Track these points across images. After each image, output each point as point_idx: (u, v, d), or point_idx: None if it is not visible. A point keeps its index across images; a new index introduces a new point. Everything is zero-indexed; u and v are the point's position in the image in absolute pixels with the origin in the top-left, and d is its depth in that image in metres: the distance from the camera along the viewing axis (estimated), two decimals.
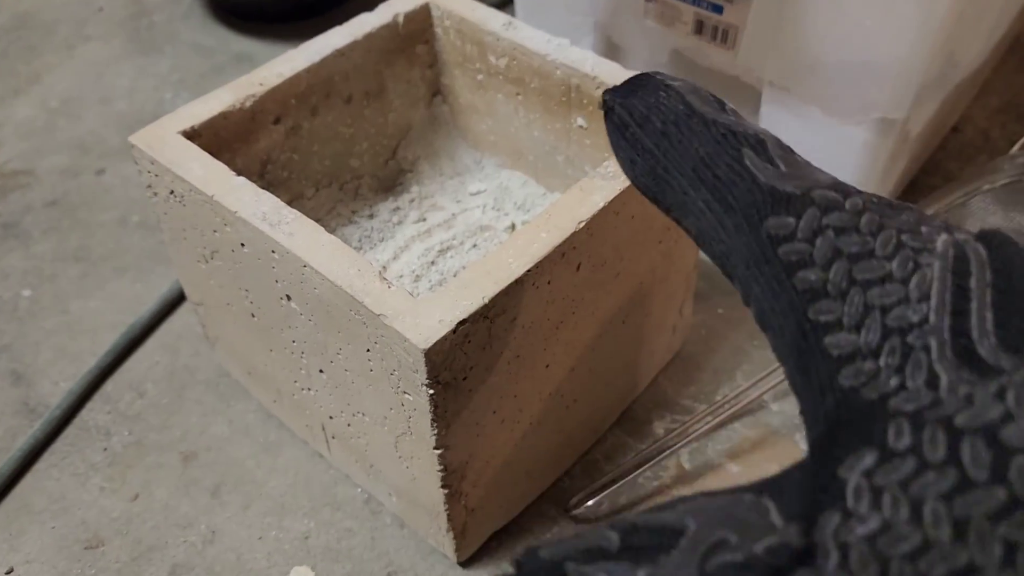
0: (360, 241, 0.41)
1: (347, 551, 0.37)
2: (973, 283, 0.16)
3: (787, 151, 0.19)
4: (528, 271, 0.28)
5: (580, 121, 0.38)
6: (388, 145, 0.43)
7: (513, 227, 0.41)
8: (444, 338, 0.26)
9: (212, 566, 0.36)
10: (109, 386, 0.43)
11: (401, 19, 0.40)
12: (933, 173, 0.52)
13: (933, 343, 0.15)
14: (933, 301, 0.16)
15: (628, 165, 0.20)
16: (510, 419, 0.32)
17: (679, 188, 0.19)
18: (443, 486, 0.31)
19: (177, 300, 0.46)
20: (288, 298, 0.31)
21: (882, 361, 0.15)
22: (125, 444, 0.41)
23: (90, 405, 0.42)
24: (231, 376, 0.43)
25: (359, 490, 0.39)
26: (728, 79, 0.44)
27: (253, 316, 0.35)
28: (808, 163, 0.19)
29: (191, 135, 0.34)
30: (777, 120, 0.42)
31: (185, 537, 0.37)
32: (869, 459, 0.14)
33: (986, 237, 0.17)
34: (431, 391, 0.27)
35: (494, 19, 0.39)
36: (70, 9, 0.67)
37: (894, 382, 0.15)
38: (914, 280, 0.16)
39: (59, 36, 0.65)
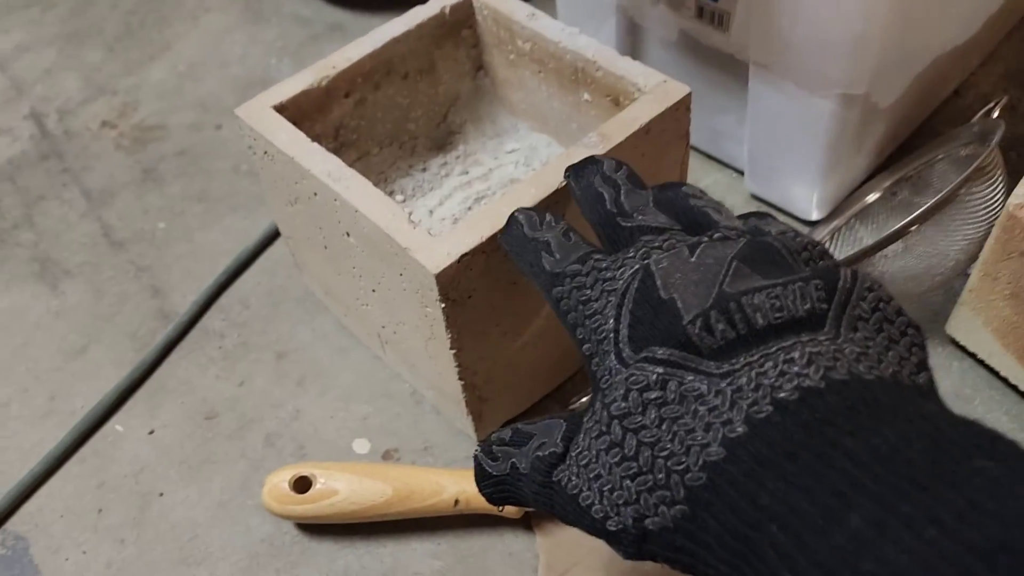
0: (413, 190, 0.51)
1: (395, 430, 0.48)
2: (625, 307, 0.28)
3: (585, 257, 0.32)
4: None
5: (586, 96, 0.47)
6: (439, 111, 0.53)
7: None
8: (450, 266, 0.37)
9: (296, 436, 0.48)
10: (223, 299, 0.55)
11: (448, 10, 0.49)
12: (927, 135, 0.58)
13: (611, 347, 0.27)
14: (610, 321, 0.28)
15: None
16: (512, 331, 0.42)
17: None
18: (460, 378, 0.42)
19: (275, 234, 0.58)
20: (348, 235, 0.42)
21: (594, 361, 0.28)
22: (235, 344, 0.53)
23: (209, 313, 0.55)
24: (314, 295, 0.54)
25: (407, 385, 0.50)
26: (725, 56, 0.51)
27: (326, 248, 0.46)
28: (581, 243, 0.33)
29: (280, 108, 0.45)
30: (760, 94, 0.50)
31: (277, 414, 0.49)
32: (590, 412, 0.28)
33: (647, 269, 0.28)
34: (443, 305, 0.38)
35: (520, 10, 0.48)
36: None
37: (599, 370, 0.28)
38: (606, 309, 0.28)
39: (186, 7, 0.77)
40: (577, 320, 0.30)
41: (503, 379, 0.44)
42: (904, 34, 0.46)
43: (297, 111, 0.46)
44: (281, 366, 0.52)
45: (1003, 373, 0.45)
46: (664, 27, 0.53)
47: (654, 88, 0.42)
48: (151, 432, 0.50)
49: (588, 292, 0.30)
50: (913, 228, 0.44)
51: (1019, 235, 0.40)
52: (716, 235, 0.29)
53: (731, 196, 0.57)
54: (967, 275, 0.46)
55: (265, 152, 0.44)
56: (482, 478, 0.32)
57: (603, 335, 0.28)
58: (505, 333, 0.42)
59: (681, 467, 0.24)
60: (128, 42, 0.74)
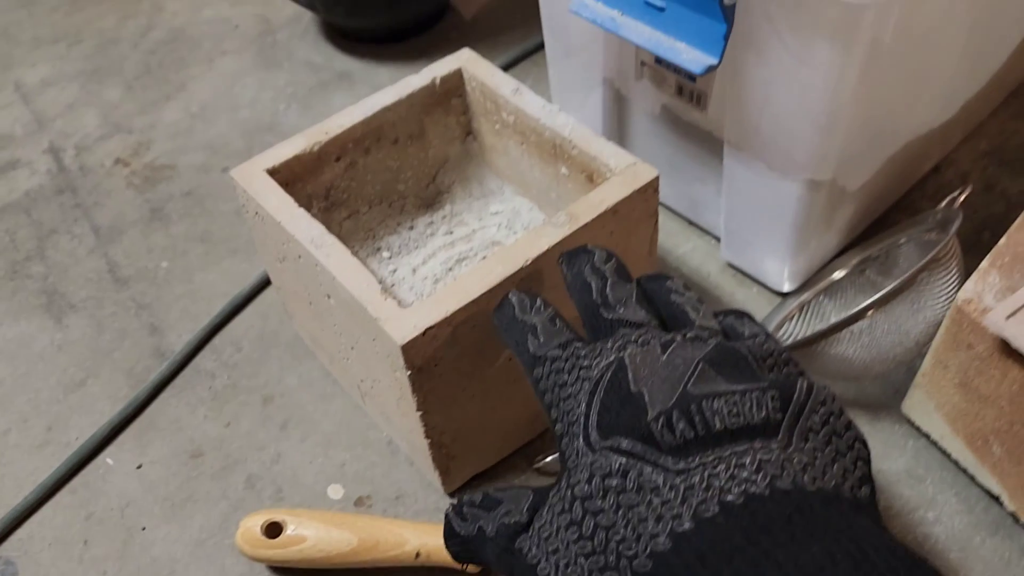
0: (400, 248, 0.54)
1: (370, 478, 0.50)
2: (597, 395, 0.30)
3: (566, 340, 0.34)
4: (483, 293, 0.40)
5: (563, 170, 0.49)
6: (429, 173, 0.55)
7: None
8: (416, 338, 0.39)
9: (275, 479, 0.51)
10: (217, 340, 0.58)
11: (438, 81, 0.52)
12: (904, 210, 0.60)
13: (580, 431, 0.29)
14: (582, 406, 0.30)
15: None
16: (479, 395, 0.44)
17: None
18: (427, 438, 0.44)
19: (268, 280, 0.60)
20: (328, 296, 0.44)
21: (564, 441, 0.30)
22: (224, 385, 0.56)
23: (203, 354, 0.57)
24: (302, 342, 0.57)
25: (383, 434, 0.52)
26: (703, 133, 0.53)
27: (310, 304, 0.48)
28: (566, 330, 0.35)
29: (273, 172, 0.47)
30: (734, 170, 0.52)
31: (259, 456, 0.52)
32: (556, 488, 0.30)
33: (621, 362, 0.30)
34: (409, 372, 0.40)
35: (506, 85, 0.50)
36: (213, 26, 0.83)
37: (568, 450, 0.30)
38: (580, 394, 0.31)
39: (203, 50, 0.80)
40: (553, 401, 0.32)
41: (470, 439, 0.46)
42: (870, 123, 0.48)
43: (290, 173, 0.48)
44: (267, 410, 0.54)
45: (953, 456, 0.47)
46: (647, 101, 0.55)
47: (624, 170, 0.45)
48: (139, 467, 0.52)
49: (565, 377, 0.32)
50: (871, 312, 0.46)
51: (967, 328, 0.42)
52: (689, 334, 0.32)
53: (708, 263, 0.59)
54: (927, 353, 0.47)
55: (256, 213, 0.47)
56: (450, 535, 0.34)
57: (574, 418, 0.30)
58: (472, 397, 0.44)
59: (631, 552, 0.26)
60: (146, 81, 0.78)
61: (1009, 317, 0.39)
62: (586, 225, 0.43)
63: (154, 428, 0.54)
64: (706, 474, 0.26)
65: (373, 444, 0.52)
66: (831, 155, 0.47)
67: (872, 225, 0.59)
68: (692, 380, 0.29)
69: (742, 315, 0.35)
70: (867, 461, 0.29)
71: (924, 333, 0.47)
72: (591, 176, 0.47)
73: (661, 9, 0.46)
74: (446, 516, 0.34)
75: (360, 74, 0.76)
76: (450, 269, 0.52)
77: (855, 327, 0.47)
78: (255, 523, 0.45)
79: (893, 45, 0.42)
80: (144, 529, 0.49)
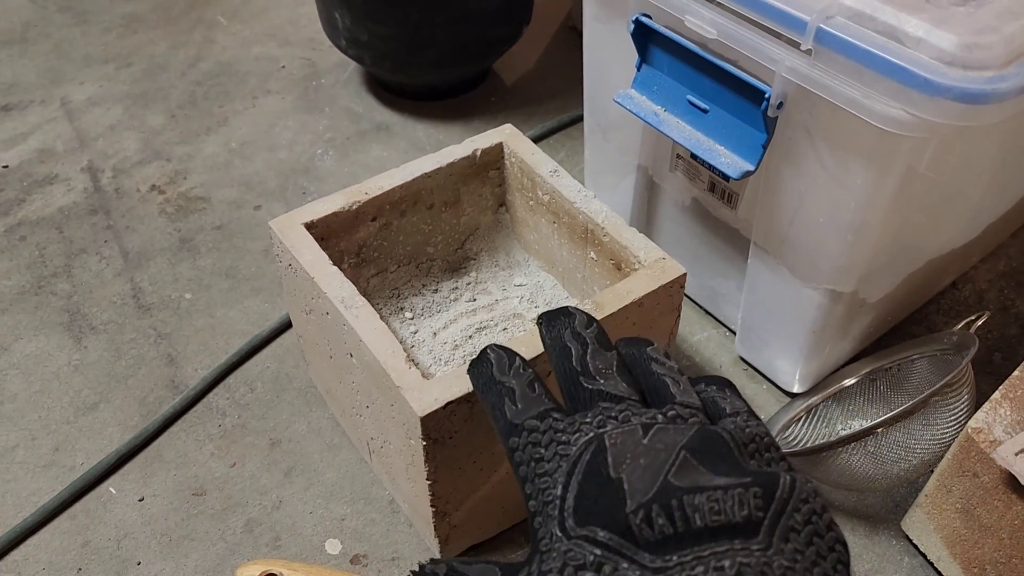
0: (423, 309, 0.55)
1: (368, 536, 0.51)
2: (575, 477, 0.29)
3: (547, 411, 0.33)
4: None
5: (592, 254, 0.50)
6: (458, 239, 0.57)
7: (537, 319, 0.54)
8: (436, 411, 0.40)
9: (274, 526, 0.51)
10: (231, 379, 0.59)
11: (479, 153, 0.53)
12: (919, 323, 0.61)
13: (555, 513, 0.29)
14: (559, 487, 0.29)
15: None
16: (487, 468, 0.45)
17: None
18: (432, 506, 0.45)
19: (289, 324, 0.61)
20: (351, 355, 0.45)
21: (537, 520, 0.29)
22: (234, 424, 0.56)
23: (216, 391, 0.58)
24: (316, 389, 0.58)
25: (386, 493, 0.52)
26: (731, 230, 0.54)
27: (331, 357, 0.49)
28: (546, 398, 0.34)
29: (310, 226, 0.48)
30: (758, 271, 0.53)
31: (261, 501, 0.52)
32: (525, 571, 0.29)
33: (601, 443, 0.30)
34: (424, 443, 0.41)
35: (545, 165, 0.52)
36: (260, 64, 0.85)
37: (541, 530, 0.29)
38: (557, 473, 0.30)
39: (248, 86, 0.82)
40: (527, 475, 0.31)
41: (474, 509, 0.47)
42: (897, 241, 0.49)
43: (326, 229, 0.49)
44: (273, 454, 0.55)
45: None
46: (679, 192, 0.57)
47: (652, 264, 0.46)
48: (141, 499, 0.53)
49: (542, 451, 0.31)
50: (880, 429, 0.46)
51: (974, 456, 0.43)
52: (671, 412, 0.31)
53: (721, 354, 0.59)
54: (932, 473, 0.48)
55: (290, 265, 0.48)
56: None
57: (550, 498, 0.30)
58: (481, 469, 0.45)
59: None
60: (190, 111, 0.80)
61: (1019, 453, 0.40)
62: (612, 314, 0.44)
63: (160, 460, 0.54)
64: (684, 574, 0.26)
65: (375, 501, 0.52)
66: (855, 269, 0.48)
67: (886, 335, 0.60)
68: (673, 470, 0.28)
69: (723, 386, 0.34)
70: (847, 565, 0.28)
71: (930, 453, 0.48)
72: (619, 264, 0.48)
73: (705, 111, 0.48)
74: None
75: (398, 127, 0.77)
76: (470, 337, 0.53)
77: (862, 440, 0.48)
78: (252, 573, 0.45)
79: (926, 173, 0.43)
80: (139, 564, 0.49)
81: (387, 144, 0.76)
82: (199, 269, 0.66)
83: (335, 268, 0.46)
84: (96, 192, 0.72)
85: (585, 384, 0.33)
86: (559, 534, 0.28)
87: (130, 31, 0.90)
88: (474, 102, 0.80)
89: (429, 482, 0.43)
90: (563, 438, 0.31)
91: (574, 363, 0.34)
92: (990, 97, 0.37)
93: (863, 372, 0.55)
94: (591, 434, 0.31)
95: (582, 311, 0.36)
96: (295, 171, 0.73)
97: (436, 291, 0.56)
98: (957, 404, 0.46)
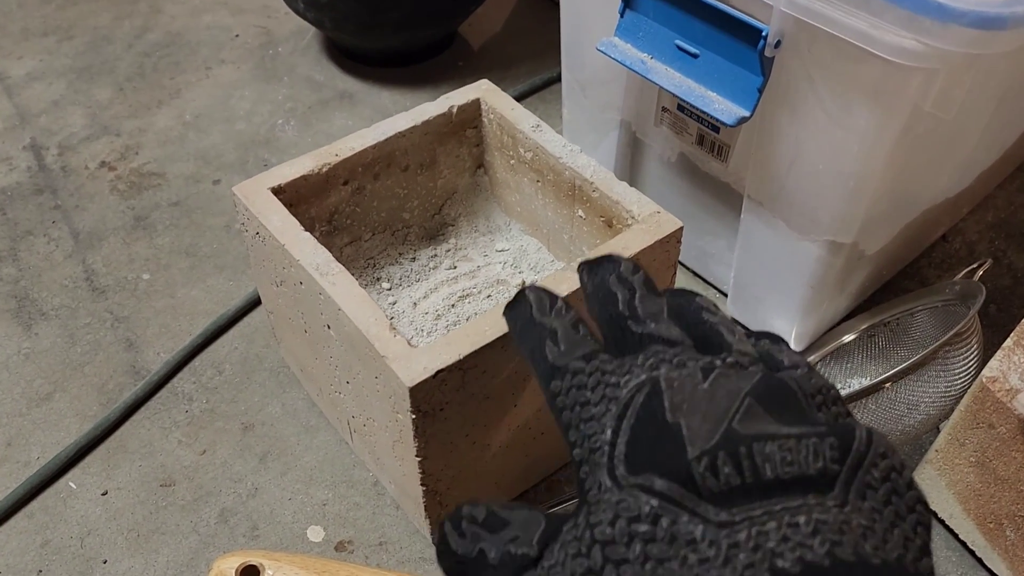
0: (401, 279, 0.51)
1: (353, 520, 0.48)
2: (627, 421, 0.26)
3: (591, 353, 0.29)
4: (497, 339, 0.38)
5: (580, 212, 0.47)
6: (435, 203, 0.53)
7: (523, 284, 0.51)
8: (425, 381, 0.37)
9: (251, 515, 0.48)
10: (197, 362, 0.55)
11: (455, 110, 0.50)
12: (912, 277, 0.59)
13: (604, 461, 0.26)
14: (608, 432, 0.26)
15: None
16: (480, 442, 0.42)
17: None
18: (422, 484, 0.42)
19: (257, 302, 0.58)
20: (328, 327, 0.42)
21: (584, 469, 0.26)
22: (202, 410, 0.53)
23: (181, 375, 0.54)
24: (289, 369, 0.54)
25: (370, 474, 0.49)
26: (722, 184, 0.52)
27: (305, 332, 0.46)
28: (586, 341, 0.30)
29: (277, 191, 0.45)
30: (752, 226, 0.50)
31: (235, 489, 0.49)
32: (572, 523, 0.25)
33: (655, 384, 0.26)
34: (413, 416, 0.38)
35: (525, 120, 0.48)
36: (213, 33, 0.80)
37: (588, 480, 0.26)
38: (605, 417, 0.27)
39: (200, 56, 0.78)
40: (571, 421, 0.28)
41: (466, 486, 0.44)
42: (897, 188, 0.47)
43: (294, 194, 0.46)
44: (246, 439, 0.51)
45: (962, 536, 0.45)
46: (665, 147, 0.54)
47: (647, 218, 0.43)
48: (104, 493, 0.49)
49: (588, 394, 0.28)
50: (888, 384, 0.44)
51: (989, 406, 0.41)
52: (729, 359, 0.28)
53: None
54: (937, 430, 0.46)
55: (257, 233, 0.44)
56: (444, 552, 0.29)
57: (597, 445, 0.26)
58: (474, 443, 0.42)
59: None
60: (139, 83, 0.75)
61: None
62: None
63: (123, 451, 0.51)
64: (753, 531, 0.23)
65: (358, 484, 0.49)
66: (856, 218, 0.45)
67: (879, 291, 0.58)
68: (738, 417, 0.25)
69: (779, 340, 0.31)
70: (928, 528, 0.25)
71: (938, 407, 0.46)
72: (610, 221, 0.46)
73: (695, 56, 0.45)
74: (441, 528, 0.29)
75: (362, 95, 0.74)
76: (452, 306, 0.50)
77: (863, 399, 0.46)
78: (230, 565, 0.42)
79: (932, 111, 0.41)
80: (105, 562, 0.46)
81: (351, 112, 0.72)
82: (156, 248, 0.62)
83: (307, 234, 0.42)
84: (41, 171, 0.67)
85: (634, 328, 0.30)
86: (609, 483, 0.25)
87: (70, 3, 0.84)
88: (441, 67, 0.76)
89: (419, 459, 0.40)
90: (612, 380, 0.28)
91: (621, 308, 0.31)
92: (1007, 22, 0.35)
93: (861, 328, 0.53)
94: (643, 376, 0.27)
95: (627, 258, 0.33)
96: (255, 142, 0.69)
97: (414, 259, 0.52)
98: (967, 355, 0.45)
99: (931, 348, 0.43)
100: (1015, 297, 0.58)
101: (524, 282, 0.51)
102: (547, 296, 0.33)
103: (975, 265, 0.50)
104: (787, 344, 0.31)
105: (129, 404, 0.52)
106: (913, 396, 0.46)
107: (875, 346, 0.53)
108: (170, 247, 0.62)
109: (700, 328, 0.30)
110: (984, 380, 0.41)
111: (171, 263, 0.61)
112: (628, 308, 0.31)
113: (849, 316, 0.55)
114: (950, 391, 0.45)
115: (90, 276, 0.60)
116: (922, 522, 0.25)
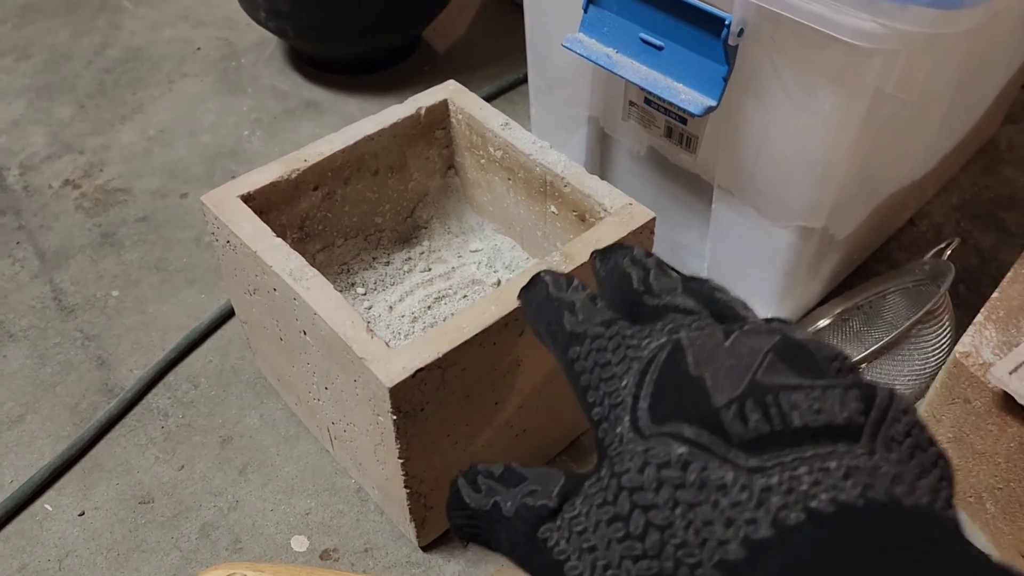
0: (375, 283, 0.51)
1: (337, 528, 0.47)
2: (649, 376, 0.26)
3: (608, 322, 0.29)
4: (475, 335, 0.38)
5: (552, 208, 0.47)
6: (407, 206, 0.53)
7: (499, 283, 0.51)
8: (405, 381, 0.36)
9: (233, 528, 0.47)
10: (171, 377, 0.54)
11: (423, 111, 0.50)
12: (882, 260, 0.60)
13: (626, 414, 0.25)
14: (631, 387, 0.26)
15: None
16: (463, 441, 0.42)
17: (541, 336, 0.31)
18: (406, 487, 0.41)
19: (230, 313, 0.57)
20: (304, 333, 0.42)
21: (603, 427, 0.26)
22: (178, 425, 0.52)
23: (155, 391, 0.53)
24: (266, 379, 0.53)
25: (352, 481, 0.49)
26: (691, 175, 0.52)
27: (281, 340, 0.45)
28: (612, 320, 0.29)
29: (247, 199, 0.44)
30: (723, 215, 0.51)
31: (215, 503, 0.48)
32: (594, 477, 0.25)
33: (677, 343, 0.26)
34: (394, 417, 0.37)
35: (494, 119, 0.48)
36: (174, 47, 0.80)
37: (608, 436, 0.25)
38: (627, 375, 0.26)
39: (162, 71, 0.77)
40: (590, 382, 0.28)
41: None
42: (864, 172, 0.47)
43: (264, 201, 0.45)
44: (225, 452, 0.50)
45: None
46: (634, 141, 0.54)
47: (619, 210, 0.43)
48: (81, 514, 0.48)
49: (609, 356, 0.28)
50: (863, 365, 0.45)
51: (964, 382, 0.41)
52: (747, 327, 0.28)
53: None
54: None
55: (228, 242, 0.44)
56: (456, 506, 0.29)
57: (618, 400, 0.26)
58: (456, 443, 0.42)
59: (693, 560, 0.22)
60: (100, 101, 0.74)
61: (1013, 372, 0.39)
62: (582, 265, 0.41)
63: (99, 470, 0.50)
64: (785, 475, 0.22)
65: (340, 492, 0.49)
66: (825, 202, 0.46)
67: (852, 275, 0.58)
68: (761, 370, 0.25)
69: (787, 321, 0.32)
70: (951, 482, 0.25)
71: (915, 385, 0.47)
72: (583, 215, 0.46)
73: (659, 48, 0.45)
74: (454, 484, 0.29)
75: (328, 104, 0.73)
76: (429, 308, 0.50)
77: None
78: None
79: (894, 93, 0.41)
80: None
81: (318, 121, 0.72)
82: (125, 264, 0.61)
83: (279, 240, 0.42)
84: (3, 191, 0.66)
85: (650, 302, 0.30)
86: (633, 435, 0.25)
87: (27, 21, 0.83)
88: (406, 73, 0.76)
89: (401, 460, 0.40)
90: (633, 342, 0.27)
91: (636, 285, 0.31)
92: (965, 1, 0.35)
93: (835, 312, 0.53)
94: (664, 339, 0.27)
95: (639, 246, 0.33)
96: (221, 154, 0.69)
97: (388, 263, 0.52)
98: (940, 332, 0.45)
99: (903, 327, 0.44)
100: (983, 276, 0.59)
101: (500, 281, 0.51)
102: (563, 276, 0.33)
103: (943, 245, 0.51)
104: (798, 326, 0.31)
105: (103, 422, 0.51)
106: (889, 376, 0.47)
107: (850, 329, 0.53)
108: (139, 263, 0.61)
109: (716, 305, 0.30)
110: (958, 356, 0.41)
111: (141, 279, 0.60)
112: (643, 284, 0.31)
113: (823, 301, 0.56)
114: (925, 369, 0.46)
115: (58, 295, 0.59)
116: (945, 476, 0.25)
